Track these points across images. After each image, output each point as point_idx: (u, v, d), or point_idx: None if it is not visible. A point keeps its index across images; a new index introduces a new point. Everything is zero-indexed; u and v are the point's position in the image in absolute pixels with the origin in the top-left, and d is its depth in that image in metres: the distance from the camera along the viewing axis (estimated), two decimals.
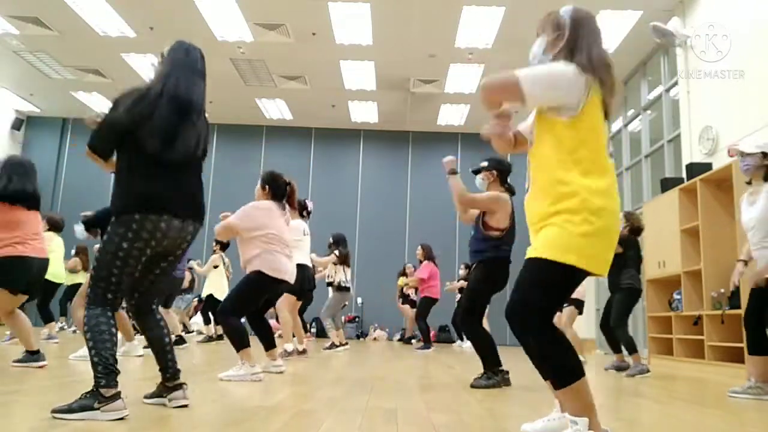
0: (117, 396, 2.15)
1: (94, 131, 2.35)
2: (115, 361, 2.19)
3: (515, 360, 4.85)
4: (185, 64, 2.49)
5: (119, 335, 4.15)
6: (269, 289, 4.08)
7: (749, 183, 3.99)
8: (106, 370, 2.15)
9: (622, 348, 5.82)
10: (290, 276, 4.13)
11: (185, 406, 2.44)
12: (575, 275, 1.89)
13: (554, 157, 1.93)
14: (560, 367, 1.85)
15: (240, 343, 3.78)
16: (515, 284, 1.95)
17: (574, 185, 1.88)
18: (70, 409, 2.11)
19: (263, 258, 3.94)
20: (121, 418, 2.13)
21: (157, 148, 2.31)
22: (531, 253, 1.94)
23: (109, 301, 2.26)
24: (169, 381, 2.46)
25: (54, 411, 2.12)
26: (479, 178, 4.24)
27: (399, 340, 11.80)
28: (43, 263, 4.01)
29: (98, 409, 2.11)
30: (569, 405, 1.84)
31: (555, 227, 1.88)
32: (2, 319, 4.02)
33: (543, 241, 1.91)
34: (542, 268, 1.88)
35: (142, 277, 2.46)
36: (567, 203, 1.88)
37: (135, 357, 5.08)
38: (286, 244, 4.12)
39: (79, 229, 4.96)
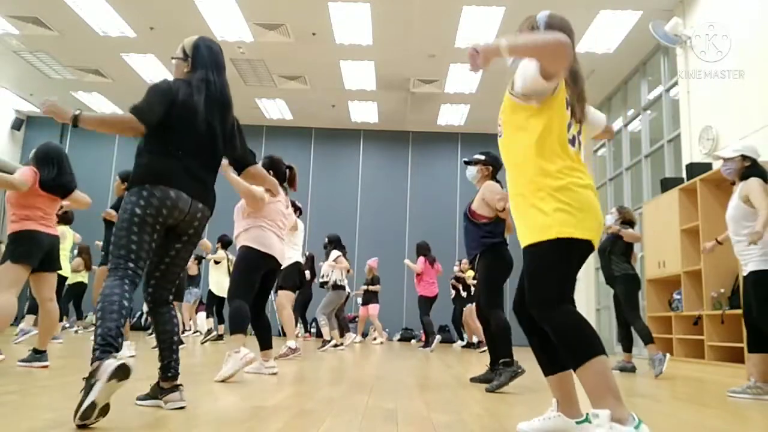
0: (97, 371, 1.94)
1: (138, 108, 2.35)
2: (120, 335, 2.08)
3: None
4: (213, 63, 2.63)
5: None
6: (261, 265, 4.06)
7: (733, 184, 4.21)
8: (103, 341, 2.04)
9: (633, 344, 5.88)
10: (279, 254, 4.14)
11: (182, 408, 2.42)
12: (569, 248, 1.94)
13: (516, 145, 2.06)
14: (576, 343, 1.86)
15: (238, 327, 3.80)
16: (523, 277, 2.05)
17: (537, 168, 1.99)
18: (84, 396, 1.92)
19: (251, 232, 4.01)
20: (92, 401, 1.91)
21: (174, 135, 2.43)
22: (521, 243, 2.05)
23: (130, 271, 2.26)
24: (168, 381, 2.43)
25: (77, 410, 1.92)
26: (474, 170, 4.26)
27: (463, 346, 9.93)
28: (54, 240, 4.09)
29: (94, 383, 1.92)
30: (590, 387, 1.81)
31: (530, 211, 2.00)
32: (40, 306, 4.11)
33: (525, 229, 2.02)
34: (534, 254, 1.99)
35: (159, 260, 2.49)
36: (535, 186, 1.99)
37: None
38: (277, 224, 4.16)
39: None
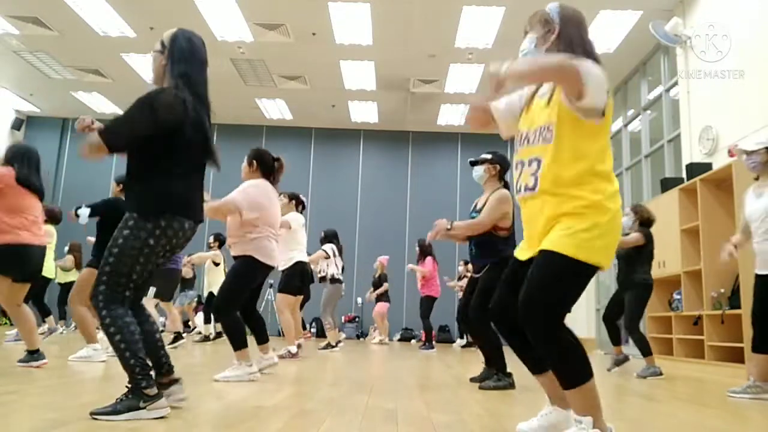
0: (160, 395, 2.22)
1: (109, 127, 2.27)
2: (146, 358, 2.25)
3: (515, 360, 4.85)
4: (194, 56, 2.47)
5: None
6: (260, 276, 4.01)
7: (756, 179, 4.01)
8: (144, 370, 2.20)
9: (623, 347, 5.82)
10: (278, 262, 4.10)
11: (183, 399, 2.44)
12: (587, 273, 1.88)
13: (573, 160, 1.89)
14: (569, 368, 1.84)
15: (238, 342, 3.74)
16: (527, 281, 1.89)
17: (592, 188, 1.87)
18: (115, 411, 2.12)
19: (258, 244, 3.87)
20: (163, 417, 2.19)
21: (183, 150, 2.36)
22: (544, 245, 1.88)
23: (127, 298, 2.30)
24: (164, 377, 2.43)
25: (95, 413, 2.12)
26: (480, 169, 4.16)
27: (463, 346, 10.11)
28: (43, 251, 4.03)
29: (144, 408, 2.15)
30: (576, 404, 1.83)
31: (572, 225, 1.85)
32: (8, 312, 4.01)
33: (558, 237, 1.86)
34: (555, 264, 1.84)
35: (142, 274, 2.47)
36: (584, 203, 1.86)
37: (98, 362, 4.48)
38: (276, 228, 4.08)
39: (85, 213, 4.73)
